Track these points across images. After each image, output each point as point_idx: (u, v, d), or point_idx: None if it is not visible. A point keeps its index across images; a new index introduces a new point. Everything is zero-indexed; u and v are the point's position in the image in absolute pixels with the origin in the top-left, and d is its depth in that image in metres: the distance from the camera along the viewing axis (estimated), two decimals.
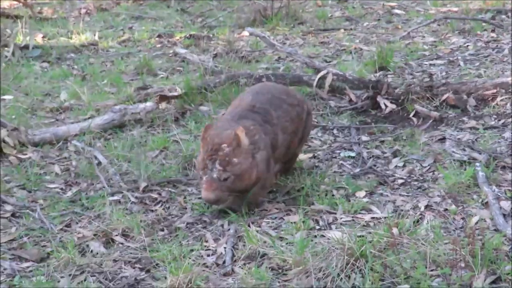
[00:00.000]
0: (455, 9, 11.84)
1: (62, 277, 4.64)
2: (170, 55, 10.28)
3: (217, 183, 5.07)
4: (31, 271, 4.81)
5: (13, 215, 5.63)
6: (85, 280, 4.60)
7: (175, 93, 7.71)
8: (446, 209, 5.19)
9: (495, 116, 6.93)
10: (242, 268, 4.64)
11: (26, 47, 10.60)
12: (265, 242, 4.84)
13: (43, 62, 10.39)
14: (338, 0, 13.42)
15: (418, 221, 5.00)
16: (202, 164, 5.15)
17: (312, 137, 6.72)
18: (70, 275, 4.66)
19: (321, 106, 7.55)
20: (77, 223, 5.39)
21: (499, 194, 5.27)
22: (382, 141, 6.58)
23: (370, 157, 6.28)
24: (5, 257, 4.95)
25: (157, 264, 4.73)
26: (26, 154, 6.76)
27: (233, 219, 5.22)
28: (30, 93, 8.63)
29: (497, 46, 9.46)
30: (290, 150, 5.77)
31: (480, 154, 6.00)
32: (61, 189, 6.03)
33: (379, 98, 7.36)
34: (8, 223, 5.50)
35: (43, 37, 11.79)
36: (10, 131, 6.89)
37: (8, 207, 5.72)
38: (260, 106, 5.56)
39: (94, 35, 11.70)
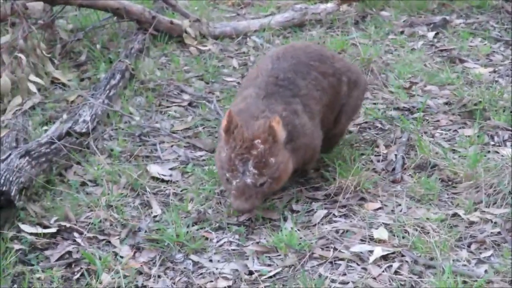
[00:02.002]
0: None
1: None
2: None
3: (253, 189, 4.13)
4: (203, 160, 4.99)
5: (190, 104, 5.82)
6: None
7: None
8: None
9: None
10: (411, 176, 4.63)
11: None
12: (437, 153, 4.80)
13: None
14: None
15: None
16: (230, 164, 4.15)
17: (494, 51, 6.54)
18: None
19: (506, 20, 7.28)
20: None
21: None
22: None
23: None
24: (180, 144, 5.14)
25: (326, 165, 4.78)
26: (206, 46, 6.91)
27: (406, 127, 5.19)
28: None
29: None
30: (325, 122, 4.72)
31: None
32: (238, 83, 6.14)
33: None
34: (185, 111, 5.69)
35: None
36: (192, 22, 7.04)
37: (186, 96, 5.91)
38: (284, 76, 4.51)
39: None
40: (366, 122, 5.38)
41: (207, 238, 4.09)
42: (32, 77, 5.82)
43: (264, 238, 4.10)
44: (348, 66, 4.95)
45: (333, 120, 4.77)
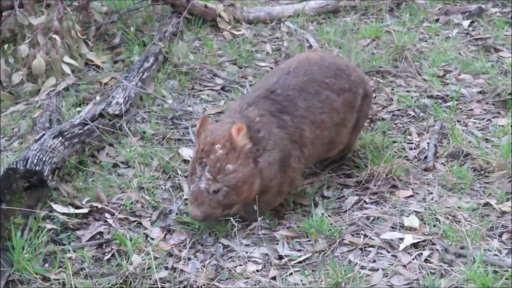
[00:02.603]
0: None
1: None
2: None
3: (206, 195, 3.95)
4: None
5: (222, 88, 5.83)
6: None
7: None
8: None
9: None
10: (443, 165, 4.60)
11: None
12: (470, 142, 4.77)
13: None
14: None
15: None
16: (192, 168, 4.03)
17: None
18: None
19: None
20: None
21: None
22: None
23: None
24: None
25: (358, 151, 4.76)
26: (239, 31, 6.90)
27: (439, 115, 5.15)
28: None
29: None
30: (337, 141, 4.50)
31: None
32: (271, 67, 6.12)
33: None
34: (217, 96, 5.69)
35: None
36: (226, 7, 7.04)
37: (219, 81, 5.92)
38: (282, 92, 4.29)
39: None
40: (399, 110, 5.35)
41: (237, 222, 4.09)
42: (67, 59, 5.87)
43: (295, 223, 4.11)
44: (362, 76, 4.76)
45: (348, 134, 4.55)
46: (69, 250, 3.87)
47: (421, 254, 3.77)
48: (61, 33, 5.93)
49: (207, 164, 3.92)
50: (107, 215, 4.19)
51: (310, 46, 6.42)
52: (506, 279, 3.47)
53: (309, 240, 3.95)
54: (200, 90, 5.78)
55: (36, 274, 3.66)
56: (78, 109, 5.40)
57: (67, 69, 5.81)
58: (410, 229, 3.97)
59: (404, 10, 7.27)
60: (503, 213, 4.08)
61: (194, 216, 3.98)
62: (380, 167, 4.45)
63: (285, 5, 7.43)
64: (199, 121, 4.08)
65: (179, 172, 4.58)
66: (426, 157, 4.70)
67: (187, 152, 4.79)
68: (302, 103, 4.28)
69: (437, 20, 7.05)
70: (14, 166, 4.13)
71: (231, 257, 3.86)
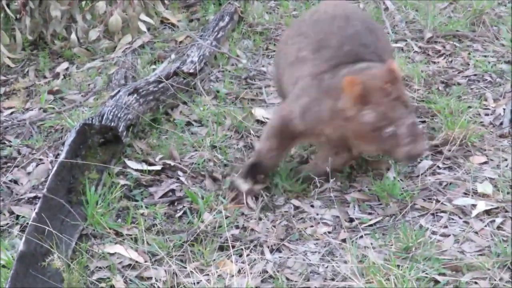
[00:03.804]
0: None
1: None
2: None
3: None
4: None
5: None
6: None
7: None
8: None
9: None
10: None
11: None
12: None
13: None
14: None
15: None
16: (387, 117, 3.67)
17: None
18: None
19: None
20: None
21: None
22: None
23: None
24: None
25: (433, 115, 4.68)
26: None
27: None
28: None
29: None
30: None
31: None
32: None
33: None
34: None
35: None
36: None
37: None
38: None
39: None
40: (475, 75, 5.23)
41: (310, 184, 4.06)
42: (143, 16, 5.89)
43: (366, 187, 4.06)
44: None
45: None
46: (142, 206, 3.91)
47: (494, 221, 3.70)
48: None
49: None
50: (179, 172, 4.20)
51: (387, 8, 6.31)
52: None
53: (380, 204, 3.91)
54: (275, 51, 5.73)
55: (109, 228, 3.71)
56: (153, 67, 5.42)
57: (143, 27, 5.84)
58: (483, 195, 3.90)
59: None
60: None
61: (423, 151, 3.82)
62: (455, 132, 4.36)
63: None
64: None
65: (252, 132, 4.57)
66: (501, 123, 4.59)
67: (260, 112, 4.78)
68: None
69: None
70: (90, 122, 4.17)
71: (301, 218, 3.84)
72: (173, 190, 4.09)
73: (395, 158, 3.92)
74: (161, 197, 4.03)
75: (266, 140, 4.07)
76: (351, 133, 3.80)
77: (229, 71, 5.37)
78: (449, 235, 3.63)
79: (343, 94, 3.71)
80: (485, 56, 5.45)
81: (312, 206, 3.92)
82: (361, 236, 3.64)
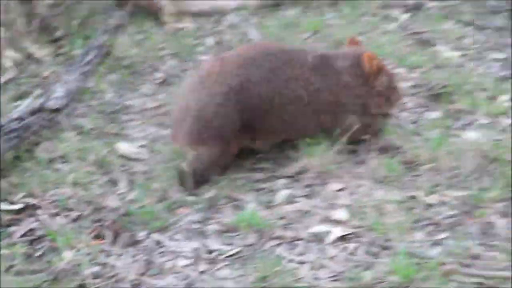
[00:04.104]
0: None
1: None
2: None
3: None
4: None
5: (163, 82, 5.85)
6: None
7: None
8: None
9: None
10: (375, 158, 4.62)
11: None
12: (401, 135, 4.81)
13: None
14: None
15: None
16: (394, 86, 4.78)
17: (464, 35, 6.54)
18: None
19: (476, 4, 7.28)
20: None
21: None
22: None
23: None
24: (151, 122, 5.17)
25: (292, 145, 4.77)
26: (183, 24, 6.89)
27: None
28: None
29: None
30: None
31: None
32: None
33: None
34: (158, 89, 5.70)
35: None
36: (171, 0, 7.03)
37: (159, 74, 5.93)
38: None
39: None
40: None
41: (173, 216, 4.11)
42: (9, 52, 5.82)
43: (227, 217, 4.12)
44: None
45: None
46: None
47: (348, 246, 3.82)
48: (4, 25, 5.89)
49: None
50: (40, 211, 4.17)
51: (251, 40, 6.43)
52: (428, 270, 3.53)
53: (240, 234, 3.97)
54: (141, 84, 5.77)
55: None
56: (18, 102, 5.36)
57: (8, 63, 5.78)
58: (339, 222, 4.01)
59: (345, 4, 7.31)
60: (429, 205, 4.14)
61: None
62: (313, 160, 4.48)
63: None
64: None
65: (116, 167, 4.58)
66: (357, 151, 4.72)
67: (124, 147, 4.80)
68: None
69: (376, 14, 7.10)
70: None
71: (162, 252, 3.86)
72: (33, 229, 4.04)
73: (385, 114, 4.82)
74: (21, 237, 3.97)
75: None
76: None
77: (95, 106, 5.37)
78: (305, 262, 3.70)
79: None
80: None
81: (173, 239, 3.96)
82: (220, 267, 3.70)
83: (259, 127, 4.50)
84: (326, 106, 4.57)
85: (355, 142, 4.62)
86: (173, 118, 4.67)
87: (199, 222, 4.10)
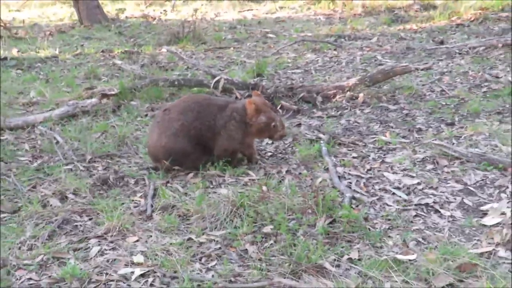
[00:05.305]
0: (310, 34, 11.98)
1: (28, 224, 4.50)
2: (110, 65, 10.04)
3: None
4: (6, 219, 4.64)
5: None
6: (44, 226, 4.47)
7: (113, 92, 7.52)
8: (300, 173, 5.23)
9: (335, 109, 7.05)
10: (158, 215, 4.58)
11: (5, 58, 10.29)
12: (175, 197, 4.79)
13: (17, 69, 10.02)
14: (230, 28, 13.39)
15: (280, 181, 5.00)
16: (274, 117, 5.23)
17: None
18: (35, 223, 4.51)
19: None
20: (40, 185, 5.21)
21: (336, 162, 5.36)
22: None
23: None
24: None
25: (98, 214, 4.63)
26: (3, 136, 6.50)
27: (153, 179, 5.15)
28: (8, 92, 8.30)
29: (337, 60, 9.63)
30: None
31: (324, 134, 6.09)
32: (29, 161, 5.83)
33: None
34: None
35: (18, 51, 11.35)
36: None
37: None
38: None
39: (56, 50, 11.38)
40: (125, 180, 5.26)
41: None
42: None
43: (55, 273, 3.85)
44: None
45: None
46: None
47: (147, 281, 3.71)
48: None
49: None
50: None
51: (58, 142, 6.18)
52: None
53: (66, 283, 3.73)
54: None
55: None
56: None
57: None
58: (139, 264, 3.90)
59: (123, 110, 7.25)
60: (201, 243, 4.13)
61: (286, 133, 5.48)
62: (113, 222, 4.35)
63: (37, 114, 7.11)
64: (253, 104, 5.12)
65: None
66: (146, 211, 4.65)
67: None
68: None
69: (146, 115, 7.09)
70: None
71: None
72: None
73: (275, 139, 5.37)
74: None
75: None
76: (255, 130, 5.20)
77: None
78: None
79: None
80: (129, 167, 5.51)
81: None
82: None
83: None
84: (223, 133, 5.16)
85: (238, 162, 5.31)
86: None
87: (29, 278, 3.80)
